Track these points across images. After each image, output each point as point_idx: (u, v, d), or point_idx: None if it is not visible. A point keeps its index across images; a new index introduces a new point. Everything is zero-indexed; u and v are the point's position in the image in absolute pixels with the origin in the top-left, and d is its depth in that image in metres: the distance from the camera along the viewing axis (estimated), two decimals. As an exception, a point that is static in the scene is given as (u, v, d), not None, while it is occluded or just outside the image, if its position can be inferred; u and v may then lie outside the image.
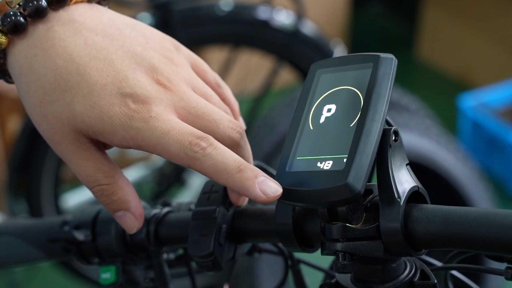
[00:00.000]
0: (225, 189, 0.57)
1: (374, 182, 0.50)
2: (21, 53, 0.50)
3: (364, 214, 0.49)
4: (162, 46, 0.54)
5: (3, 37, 0.50)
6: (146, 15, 1.71)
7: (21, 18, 0.50)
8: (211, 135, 0.50)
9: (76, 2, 0.52)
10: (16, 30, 0.50)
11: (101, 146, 0.52)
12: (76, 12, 0.51)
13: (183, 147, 0.48)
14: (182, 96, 0.51)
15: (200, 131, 0.50)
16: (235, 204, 0.57)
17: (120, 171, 0.53)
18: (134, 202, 0.53)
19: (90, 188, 0.52)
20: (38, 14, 0.50)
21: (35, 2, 0.50)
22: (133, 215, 0.53)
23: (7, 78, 0.53)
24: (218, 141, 0.50)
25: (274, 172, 0.51)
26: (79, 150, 0.51)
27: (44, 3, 0.50)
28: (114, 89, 0.49)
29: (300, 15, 1.74)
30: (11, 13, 0.50)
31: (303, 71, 1.82)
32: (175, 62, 0.53)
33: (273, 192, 0.48)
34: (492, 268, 0.52)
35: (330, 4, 3.12)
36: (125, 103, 0.49)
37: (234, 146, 0.53)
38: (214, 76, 0.58)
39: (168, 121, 0.49)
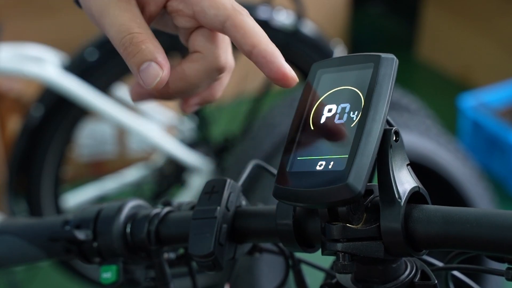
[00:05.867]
0: (226, 188, 0.57)
1: (375, 182, 0.50)
2: None
3: (365, 215, 0.49)
4: None
5: None
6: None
7: None
8: None
9: None
10: None
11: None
12: None
13: (232, 1, 0.53)
14: None
15: None
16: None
17: (150, 29, 0.54)
18: (161, 54, 0.53)
19: (121, 39, 0.53)
20: None
21: None
22: (159, 65, 0.53)
23: None
24: None
25: (274, 172, 0.51)
26: (121, 1, 0.54)
27: None
28: None
29: (300, 15, 1.74)
30: None
31: (303, 71, 1.81)
32: None
33: (295, 77, 0.52)
34: (493, 268, 0.52)
35: (330, 4, 3.12)
36: None
37: None
38: None
39: None
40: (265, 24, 1.73)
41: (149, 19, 0.56)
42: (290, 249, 0.56)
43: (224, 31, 0.53)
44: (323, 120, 0.50)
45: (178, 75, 0.57)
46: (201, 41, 0.56)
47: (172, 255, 0.65)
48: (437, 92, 3.01)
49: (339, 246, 0.49)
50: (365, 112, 0.48)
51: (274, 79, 0.52)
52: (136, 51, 0.53)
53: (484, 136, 2.44)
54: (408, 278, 0.51)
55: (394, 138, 0.49)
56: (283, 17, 1.75)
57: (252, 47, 0.52)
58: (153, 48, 0.53)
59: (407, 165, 0.50)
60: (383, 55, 0.50)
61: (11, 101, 2.17)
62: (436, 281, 0.51)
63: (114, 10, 0.53)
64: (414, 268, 0.52)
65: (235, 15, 0.52)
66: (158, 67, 0.53)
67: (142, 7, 0.55)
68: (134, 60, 0.53)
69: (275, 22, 1.73)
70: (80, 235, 0.62)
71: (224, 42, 0.57)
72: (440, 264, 0.56)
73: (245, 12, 0.53)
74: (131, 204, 0.63)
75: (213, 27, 0.54)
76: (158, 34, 0.55)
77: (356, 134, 0.47)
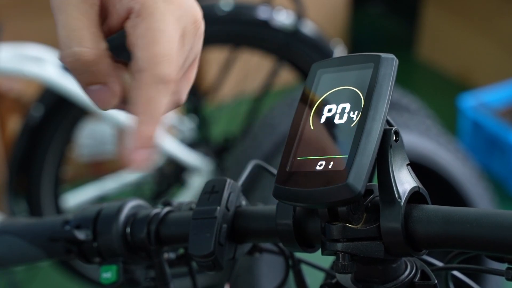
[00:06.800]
0: (226, 188, 0.57)
1: (375, 182, 0.50)
2: None
3: (365, 215, 0.49)
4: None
5: None
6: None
7: None
8: None
9: None
10: None
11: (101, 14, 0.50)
12: None
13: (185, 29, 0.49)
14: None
15: None
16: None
17: (106, 44, 0.49)
18: (113, 77, 0.49)
19: (67, 48, 0.47)
20: None
21: None
22: (110, 90, 0.49)
23: None
24: None
25: (274, 172, 0.51)
26: (84, 3, 0.48)
27: None
28: None
29: (300, 15, 1.74)
30: None
31: (303, 71, 1.82)
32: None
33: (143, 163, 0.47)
34: (493, 268, 0.52)
35: (330, 4, 3.12)
36: None
37: None
38: None
39: (173, 29, 0.49)
40: (265, 24, 1.74)
41: (108, 32, 0.51)
42: (290, 249, 0.56)
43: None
44: (323, 120, 0.50)
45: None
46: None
47: (172, 255, 0.65)
48: (437, 92, 3.01)
49: (339, 246, 0.49)
50: (365, 112, 0.48)
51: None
52: (84, 71, 0.48)
53: (484, 136, 2.44)
54: (408, 278, 0.51)
55: (394, 138, 0.49)
56: (283, 17, 1.75)
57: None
58: (104, 69, 0.48)
59: (407, 165, 0.50)
60: (383, 55, 0.50)
61: (11, 101, 2.17)
62: (436, 281, 0.51)
63: (72, 9, 0.48)
64: (414, 268, 0.52)
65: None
66: (110, 94, 0.49)
67: (104, 17, 0.50)
68: (82, 79, 0.49)
69: (275, 22, 1.74)
70: (80, 235, 0.62)
71: None
72: (440, 264, 0.56)
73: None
74: (131, 204, 0.63)
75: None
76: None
77: (356, 134, 0.47)
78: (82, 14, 0.48)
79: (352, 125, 0.48)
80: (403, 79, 2.78)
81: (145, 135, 0.47)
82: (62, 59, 0.48)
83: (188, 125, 2.01)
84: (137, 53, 0.48)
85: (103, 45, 0.49)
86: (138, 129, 0.47)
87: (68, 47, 0.48)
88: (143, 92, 0.47)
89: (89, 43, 0.48)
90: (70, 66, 0.48)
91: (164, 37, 0.48)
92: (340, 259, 0.49)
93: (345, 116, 0.49)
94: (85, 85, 0.49)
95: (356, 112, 0.48)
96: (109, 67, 0.49)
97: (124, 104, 0.51)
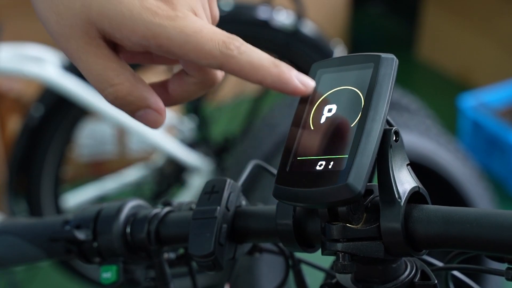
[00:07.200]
0: (226, 188, 0.57)
1: (375, 182, 0.50)
2: None
3: (365, 215, 0.49)
4: None
5: None
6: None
7: None
8: None
9: None
10: None
11: (112, 47, 0.50)
12: None
13: (218, 45, 0.48)
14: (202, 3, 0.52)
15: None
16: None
17: (131, 69, 0.50)
18: (153, 98, 0.50)
19: (102, 91, 0.49)
20: None
21: None
22: (155, 110, 0.50)
23: None
24: None
25: (274, 172, 0.51)
26: (89, 46, 0.48)
27: None
28: None
29: (300, 15, 1.74)
30: None
31: (303, 71, 1.81)
32: None
33: (310, 82, 0.50)
34: (493, 268, 0.52)
35: (330, 4, 3.12)
36: None
37: None
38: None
39: (196, 21, 0.49)
40: (265, 24, 1.74)
41: (126, 54, 0.52)
42: (290, 249, 0.56)
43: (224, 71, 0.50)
44: (323, 120, 0.50)
45: (169, 95, 0.54)
46: (193, 69, 0.52)
47: (172, 255, 0.65)
48: (437, 92, 3.01)
49: (339, 246, 0.49)
50: (365, 112, 0.48)
51: (292, 95, 0.50)
52: (125, 103, 0.49)
53: (484, 136, 2.44)
54: (408, 278, 0.51)
55: (394, 138, 0.49)
56: (283, 17, 1.75)
57: (258, 82, 0.49)
58: (142, 94, 0.50)
59: (407, 165, 0.50)
60: (383, 55, 0.50)
61: (11, 101, 2.17)
62: (436, 281, 0.51)
63: (86, 56, 0.48)
64: (414, 268, 0.52)
65: (227, 60, 0.48)
66: (155, 113, 0.50)
67: (114, 46, 0.50)
68: (127, 111, 0.50)
69: (275, 22, 1.74)
70: (80, 235, 0.62)
71: None
72: (440, 264, 0.56)
73: (235, 50, 0.49)
74: (131, 204, 0.63)
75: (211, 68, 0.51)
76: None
77: (356, 134, 0.47)
78: (95, 56, 0.48)
79: (352, 125, 0.48)
80: (403, 79, 2.78)
81: (288, 72, 0.50)
82: (101, 96, 0.50)
83: (188, 125, 2.01)
84: (200, 63, 0.49)
85: (129, 73, 0.50)
86: (287, 80, 0.49)
87: (102, 90, 0.49)
88: (242, 67, 0.49)
89: (116, 80, 0.49)
90: (112, 104, 0.50)
91: (199, 36, 0.48)
92: (340, 259, 0.49)
93: (345, 116, 0.49)
94: (132, 114, 0.51)
95: (356, 112, 0.48)
96: (145, 89, 0.50)
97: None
